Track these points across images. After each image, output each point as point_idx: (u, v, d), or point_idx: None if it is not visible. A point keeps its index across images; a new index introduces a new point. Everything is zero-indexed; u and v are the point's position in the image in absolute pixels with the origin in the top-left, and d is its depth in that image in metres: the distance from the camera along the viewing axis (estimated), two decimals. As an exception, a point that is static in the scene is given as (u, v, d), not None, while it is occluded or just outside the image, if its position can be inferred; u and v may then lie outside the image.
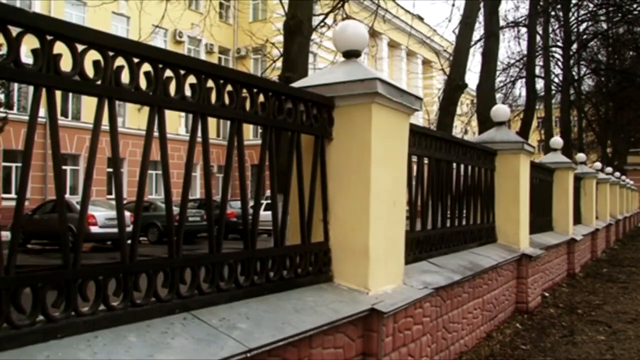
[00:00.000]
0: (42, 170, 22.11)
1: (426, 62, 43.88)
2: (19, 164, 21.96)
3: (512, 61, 21.27)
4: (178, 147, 28.46)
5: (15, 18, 1.58)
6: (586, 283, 7.99)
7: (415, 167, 4.09)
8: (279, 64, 8.97)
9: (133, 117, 26.12)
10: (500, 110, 5.99)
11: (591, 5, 20.25)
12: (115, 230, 2.06)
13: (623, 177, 21.03)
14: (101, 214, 12.84)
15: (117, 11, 24.08)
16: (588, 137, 30.19)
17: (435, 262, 4.16)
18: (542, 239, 7.22)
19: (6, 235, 17.60)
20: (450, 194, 4.66)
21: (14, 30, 1.59)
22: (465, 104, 19.32)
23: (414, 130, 3.74)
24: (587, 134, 29.44)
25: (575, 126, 25.46)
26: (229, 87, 2.31)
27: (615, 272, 9.19)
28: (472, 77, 30.33)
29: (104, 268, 1.90)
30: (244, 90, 2.40)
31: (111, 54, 1.85)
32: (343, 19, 12.23)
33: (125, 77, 1.90)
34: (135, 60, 1.94)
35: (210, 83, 2.21)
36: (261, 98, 2.49)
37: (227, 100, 2.32)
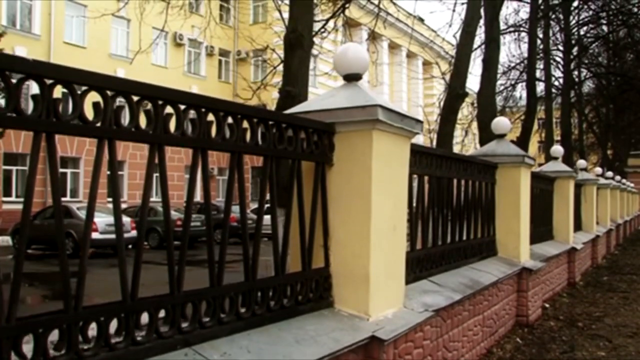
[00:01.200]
0: (42, 173, 22.09)
1: (427, 64, 43.83)
2: (20, 167, 21.96)
3: (513, 64, 21.30)
4: (178, 149, 28.54)
5: (16, 67, 1.57)
6: (586, 293, 7.99)
7: (416, 184, 4.08)
8: (280, 67, 8.98)
9: (133, 120, 26.10)
10: (501, 123, 5.99)
11: (592, 8, 20.23)
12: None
13: (623, 181, 21.04)
14: (101, 220, 12.85)
15: (118, 14, 24.07)
16: (588, 139, 30.20)
17: (436, 280, 4.15)
18: (543, 249, 7.21)
19: (6, 240, 17.64)
20: (451, 210, 4.65)
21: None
22: (465, 107, 19.34)
23: (415, 150, 3.73)
24: (587, 136, 29.43)
25: (576, 128, 25.45)
26: (230, 120, 2.31)
27: (616, 280, 9.19)
28: (472, 80, 30.39)
29: (106, 309, 1.90)
30: (245, 122, 2.40)
31: (110, 93, 1.84)
32: (343, 25, 12.26)
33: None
34: (135, 98, 1.94)
35: (210, 116, 2.21)
36: (262, 128, 2.49)
37: (227, 133, 2.31)
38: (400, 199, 3.26)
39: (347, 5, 12.20)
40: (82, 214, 13.70)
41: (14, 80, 1.60)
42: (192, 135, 2.15)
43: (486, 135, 9.96)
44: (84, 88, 1.79)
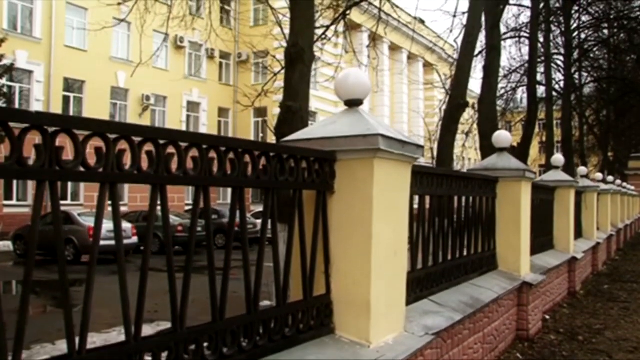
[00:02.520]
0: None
1: (427, 65, 43.80)
2: (20, 171, 21.98)
3: (514, 67, 21.32)
4: (179, 152, 28.61)
5: (18, 118, 1.58)
6: (587, 303, 7.99)
7: (416, 204, 4.08)
8: (281, 75, 8.97)
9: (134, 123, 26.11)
10: (501, 137, 5.99)
11: (592, 13, 20.24)
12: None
13: (624, 184, 21.03)
14: (102, 226, 12.81)
15: (118, 17, 24.10)
16: (589, 141, 30.20)
17: (437, 299, 4.16)
18: (543, 260, 7.22)
19: (7, 245, 17.65)
20: (451, 227, 4.66)
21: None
22: (466, 111, 19.37)
23: (416, 171, 3.74)
24: (588, 138, 29.44)
25: (577, 130, 25.45)
26: (231, 155, 2.32)
27: (617, 289, 9.19)
28: (472, 83, 30.34)
29: (109, 351, 1.91)
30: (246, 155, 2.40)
31: (112, 137, 1.85)
32: (344, 32, 12.26)
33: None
34: (137, 140, 1.94)
35: (212, 153, 2.22)
36: (263, 161, 2.50)
37: (229, 169, 2.32)
38: (401, 224, 3.27)
39: (347, 12, 12.20)
40: (83, 220, 13.76)
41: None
42: (194, 173, 2.16)
43: (487, 142, 9.97)
44: (86, 134, 1.79)
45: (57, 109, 23.05)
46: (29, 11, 22.51)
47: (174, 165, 2.09)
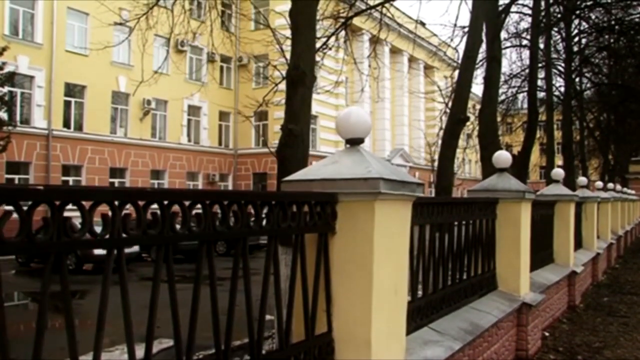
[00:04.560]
0: (44, 181, 22.15)
1: (428, 67, 43.81)
2: (22, 176, 22.03)
3: (514, 72, 21.36)
4: (180, 156, 28.65)
5: (27, 197, 1.62)
6: (586, 317, 8.03)
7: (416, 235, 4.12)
8: (282, 85, 8.99)
9: (135, 127, 26.19)
10: (502, 157, 6.02)
11: (593, 19, 20.26)
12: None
13: (625, 190, 21.05)
14: (104, 235, 12.87)
15: (119, 21, 24.13)
16: (590, 144, 30.23)
17: (437, 327, 4.19)
18: (543, 277, 7.25)
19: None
20: (452, 253, 4.69)
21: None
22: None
23: (416, 202, 3.77)
24: (588, 142, 29.48)
25: (577, 134, 25.47)
26: (234, 207, 2.35)
27: (616, 301, 9.23)
28: (473, 88, 30.34)
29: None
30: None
31: (117, 203, 1.88)
32: (345, 42, 12.28)
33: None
34: (141, 203, 1.98)
35: (215, 207, 2.25)
36: (265, 209, 2.53)
37: (232, 221, 2.35)
38: (401, 262, 3.31)
39: (348, 23, 12.22)
40: (85, 229, 13.68)
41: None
42: (198, 229, 2.20)
43: (487, 153, 10.00)
44: (92, 202, 1.83)
45: (58, 114, 23.11)
46: (30, 16, 22.55)
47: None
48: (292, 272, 2.83)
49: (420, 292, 4.21)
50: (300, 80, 5.52)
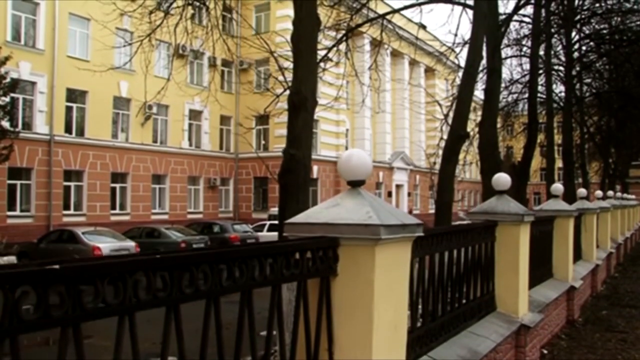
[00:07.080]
0: (46, 187, 22.27)
1: (429, 70, 43.86)
2: (24, 181, 22.12)
3: (515, 78, 21.44)
4: (181, 160, 28.75)
5: (46, 277, 1.70)
6: (585, 333, 8.10)
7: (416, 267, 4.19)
8: (283, 95, 9.05)
9: (136, 132, 26.29)
10: (501, 180, 6.10)
11: (593, 24, 20.32)
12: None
13: (625, 195, 21.11)
14: (106, 245, 13.04)
15: (121, 27, 24.20)
16: (590, 148, 30.28)
17: (435, 355, 4.27)
18: (542, 294, 7.32)
19: (12, 260, 17.77)
20: (450, 279, 4.77)
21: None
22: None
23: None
24: (589, 146, 29.54)
25: (577, 138, 25.52)
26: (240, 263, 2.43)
27: (615, 315, 9.30)
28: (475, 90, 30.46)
29: None
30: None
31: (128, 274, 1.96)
32: (345, 53, 12.35)
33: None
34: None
35: (221, 265, 2.33)
36: (269, 260, 2.61)
37: (237, 274, 2.43)
38: (401, 298, 3.38)
39: (349, 34, 12.29)
40: (87, 239, 13.86)
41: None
42: (205, 287, 2.28)
43: (487, 165, 10.09)
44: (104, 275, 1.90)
45: (59, 119, 23.20)
46: (32, 23, 22.64)
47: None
48: (295, 316, 2.91)
49: (419, 321, 4.30)
50: (302, 104, 5.59)
